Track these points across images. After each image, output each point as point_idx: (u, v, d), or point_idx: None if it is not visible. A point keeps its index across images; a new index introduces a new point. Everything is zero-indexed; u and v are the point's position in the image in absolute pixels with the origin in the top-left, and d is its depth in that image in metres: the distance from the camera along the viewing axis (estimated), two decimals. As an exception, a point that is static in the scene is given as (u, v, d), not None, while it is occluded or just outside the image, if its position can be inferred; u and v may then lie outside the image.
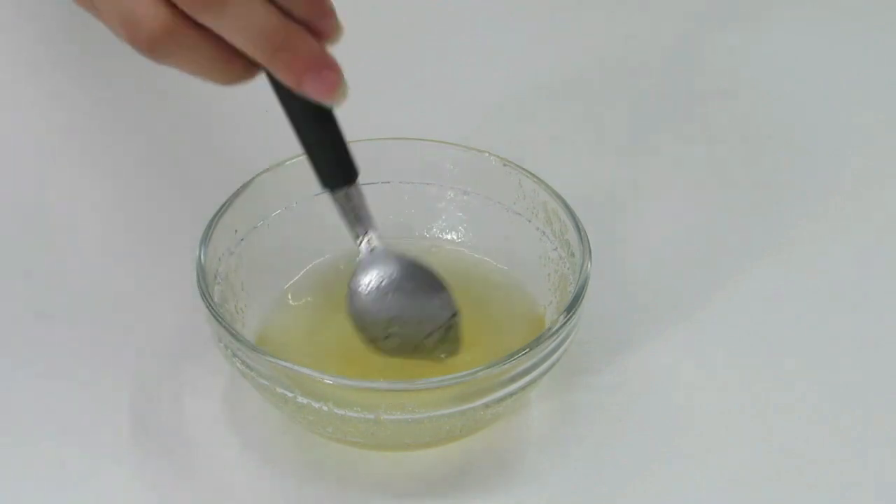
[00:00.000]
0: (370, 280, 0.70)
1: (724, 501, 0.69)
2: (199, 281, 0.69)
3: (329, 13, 0.63)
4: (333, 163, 0.67)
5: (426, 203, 0.77)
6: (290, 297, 0.75)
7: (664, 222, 0.83)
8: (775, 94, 0.92)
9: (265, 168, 0.74)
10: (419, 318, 0.70)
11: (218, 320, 0.67)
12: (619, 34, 0.96)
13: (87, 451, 0.71)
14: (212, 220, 0.72)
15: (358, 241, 0.70)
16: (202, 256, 0.70)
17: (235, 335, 0.67)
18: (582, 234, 0.71)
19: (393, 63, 0.92)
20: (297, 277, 0.76)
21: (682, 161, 0.87)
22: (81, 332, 0.76)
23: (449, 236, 0.77)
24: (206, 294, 0.68)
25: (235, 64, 0.63)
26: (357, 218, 0.69)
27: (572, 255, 0.72)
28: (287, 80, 0.63)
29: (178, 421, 0.72)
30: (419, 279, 0.71)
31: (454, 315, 0.70)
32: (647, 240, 0.82)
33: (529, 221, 0.75)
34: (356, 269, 0.71)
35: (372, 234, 0.70)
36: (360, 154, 0.76)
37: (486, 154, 0.76)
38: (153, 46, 0.61)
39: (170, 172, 0.85)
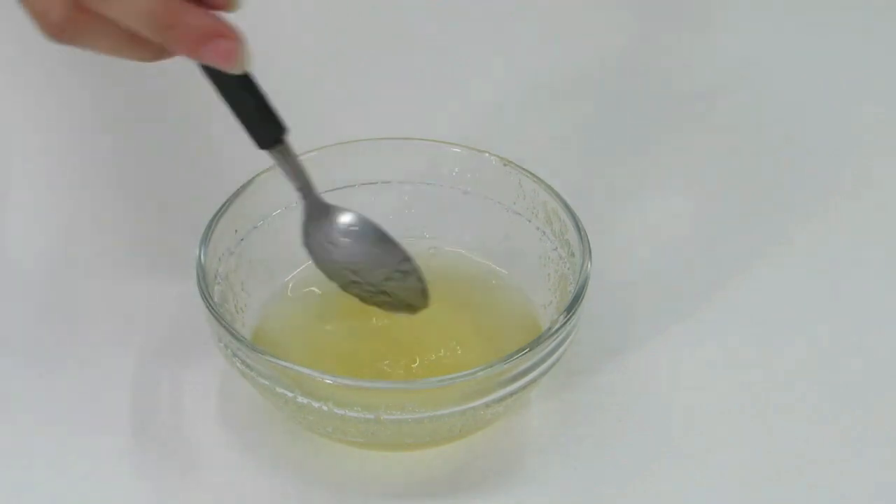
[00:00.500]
0: (318, 232, 0.71)
1: (724, 501, 0.69)
2: (199, 281, 0.69)
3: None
4: (261, 124, 0.68)
5: (426, 203, 0.77)
6: (288, 289, 0.75)
7: (664, 222, 0.83)
8: (775, 94, 0.92)
9: (265, 168, 0.74)
10: (370, 264, 0.72)
11: (218, 320, 0.67)
12: (620, 34, 0.96)
13: (88, 451, 0.71)
14: (212, 220, 0.72)
15: (299, 196, 0.71)
16: (202, 256, 0.70)
17: (235, 335, 0.67)
18: (582, 233, 0.71)
19: (393, 63, 0.92)
20: (296, 271, 0.76)
21: (683, 161, 0.87)
22: (81, 332, 0.76)
23: (449, 236, 0.77)
24: (206, 294, 0.68)
25: (143, 42, 0.64)
26: (295, 174, 0.70)
27: (572, 254, 0.72)
28: (185, 55, 0.64)
29: (178, 421, 0.72)
30: (361, 229, 0.72)
31: (404, 259, 0.71)
32: (647, 240, 0.82)
33: (529, 221, 0.75)
34: (303, 224, 0.71)
35: (310, 189, 0.71)
36: (361, 154, 0.76)
37: (486, 154, 0.76)
38: (60, 34, 0.64)
39: (170, 172, 0.85)
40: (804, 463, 0.71)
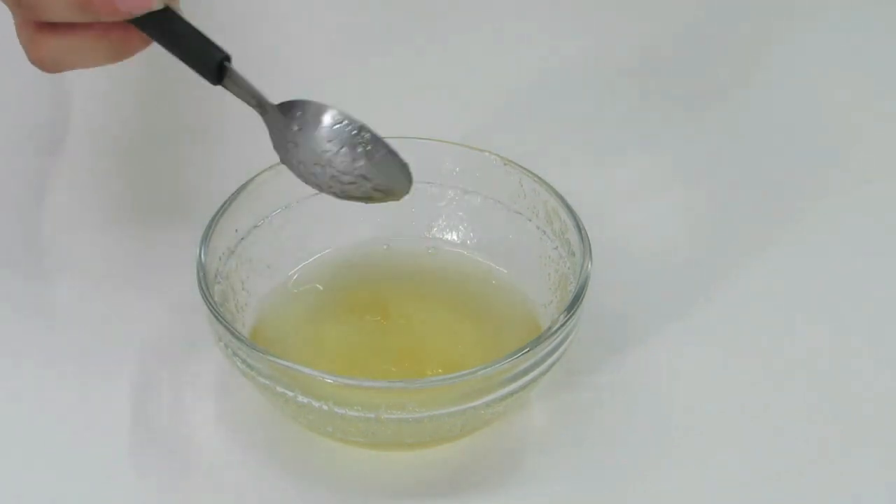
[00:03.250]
0: (283, 141, 0.69)
1: (725, 501, 0.69)
2: (199, 280, 0.69)
3: None
4: (204, 57, 0.67)
5: (426, 203, 0.77)
6: (289, 287, 0.75)
7: (664, 222, 0.83)
8: (775, 93, 0.92)
9: (265, 168, 0.74)
10: (326, 144, 0.69)
11: (219, 319, 0.67)
12: (620, 34, 0.96)
13: (88, 451, 0.71)
14: (212, 220, 0.72)
15: (260, 114, 0.69)
16: (202, 255, 0.70)
17: (236, 334, 0.67)
18: (582, 233, 0.71)
19: (393, 62, 0.92)
20: (298, 267, 0.76)
21: (683, 161, 0.87)
22: (82, 332, 0.76)
23: (449, 236, 0.77)
24: (206, 293, 0.68)
25: (104, 40, 0.67)
26: (251, 93, 0.68)
27: (573, 254, 0.72)
28: (113, 19, 0.66)
29: (178, 421, 0.72)
30: (310, 113, 0.69)
31: (360, 129, 0.69)
32: (648, 239, 0.82)
33: (530, 220, 0.75)
34: (273, 144, 0.69)
35: (265, 105, 0.69)
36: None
37: (487, 153, 0.76)
38: (43, 64, 0.68)
39: (170, 172, 0.85)
40: (805, 463, 0.71)
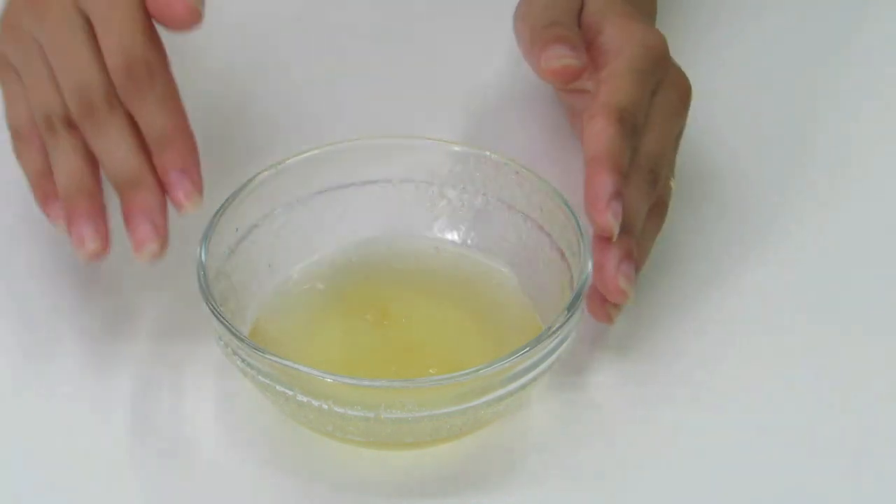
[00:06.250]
0: None
1: (726, 500, 0.69)
2: (199, 279, 0.69)
3: (184, 173, 0.70)
4: None
5: (426, 202, 0.77)
6: (290, 287, 0.75)
7: (664, 221, 0.83)
8: (774, 92, 0.92)
9: (265, 168, 0.74)
10: None
11: (219, 319, 0.68)
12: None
13: (88, 451, 0.71)
14: (212, 219, 0.72)
15: None
16: (203, 255, 0.70)
17: (236, 333, 0.67)
18: (582, 232, 0.71)
19: (392, 62, 0.92)
20: (298, 266, 0.76)
21: (682, 161, 0.87)
22: (82, 332, 0.76)
23: (449, 236, 0.77)
24: (206, 293, 0.69)
25: None
26: None
27: (573, 254, 0.72)
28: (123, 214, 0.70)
29: (178, 421, 0.72)
30: None
31: None
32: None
33: (530, 220, 0.75)
34: None
35: None
36: (361, 154, 0.76)
37: (487, 153, 0.76)
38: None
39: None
40: (806, 463, 0.71)
